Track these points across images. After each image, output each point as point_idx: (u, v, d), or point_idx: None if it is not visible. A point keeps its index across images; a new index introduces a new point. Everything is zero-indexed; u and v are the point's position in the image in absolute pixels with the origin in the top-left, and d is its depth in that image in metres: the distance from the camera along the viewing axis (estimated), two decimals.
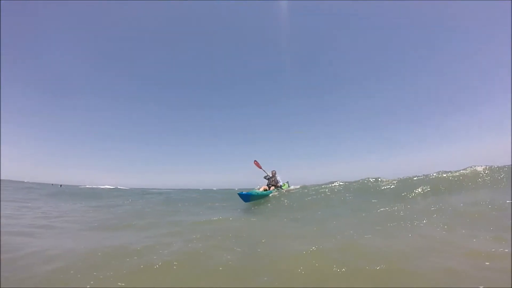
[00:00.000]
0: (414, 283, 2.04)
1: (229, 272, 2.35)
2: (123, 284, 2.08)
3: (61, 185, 37.04)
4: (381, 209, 5.00)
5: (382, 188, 7.65)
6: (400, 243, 3.04)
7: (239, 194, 8.10)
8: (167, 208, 8.23)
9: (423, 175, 8.71)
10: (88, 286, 2.05)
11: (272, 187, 9.92)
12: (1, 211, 5.88)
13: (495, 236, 3.03)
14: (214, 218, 5.16)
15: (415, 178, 8.26)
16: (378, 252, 2.68)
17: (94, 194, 15.87)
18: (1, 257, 2.65)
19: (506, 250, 2.53)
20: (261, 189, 9.24)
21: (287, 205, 7.28)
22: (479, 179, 6.99)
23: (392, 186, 7.66)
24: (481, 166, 8.20)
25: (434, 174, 8.45)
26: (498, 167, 7.84)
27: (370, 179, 9.31)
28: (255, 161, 10.74)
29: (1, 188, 15.61)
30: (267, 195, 8.95)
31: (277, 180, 10.12)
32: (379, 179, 9.11)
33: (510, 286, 1.93)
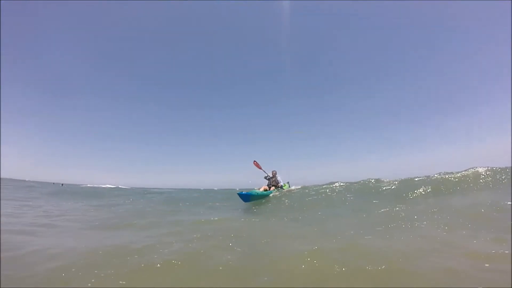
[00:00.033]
0: (414, 283, 2.04)
1: (230, 272, 2.35)
2: (124, 283, 2.09)
3: (62, 184, 37.13)
4: (382, 210, 4.99)
5: (383, 188, 7.64)
6: (401, 243, 3.04)
7: (239, 194, 8.10)
8: (168, 207, 8.24)
9: (424, 176, 8.70)
10: (89, 285, 2.06)
11: (273, 187, 9.92)
12: (2, 210, 5.91)
13: (496, 237, 3.03)
14: (215, 218, 5.17)
15: (416, 179, 8.25)
16: (378, 252, 2.68)
17: (95, 193, 15.90)
18: (3, 255, 2.67)
19: (507, 252, 2.53)
20: (261, 189, 9.25)
21: (288, 205, 7.29)
22: (480, 180, 6.98)
23: (393, 186, 7.65)
24: (483, 167, 8.18)
25: (435, 175, 8.43)
26: (499, 168, 7.82)
27: (371, 179, 9.30)
28: (254, 161, 10.73)
29: (2, 186, 15.67)
30: (267, 195, 8.95)
31: (277, 180, 10.11)
32: (380, 180, 9.10)
33: (510, 287, 1.93)
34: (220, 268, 2.41)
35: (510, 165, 7.88)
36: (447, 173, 8.32)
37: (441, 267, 2.29)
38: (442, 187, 6.82)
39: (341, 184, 9.52)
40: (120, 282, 2.10)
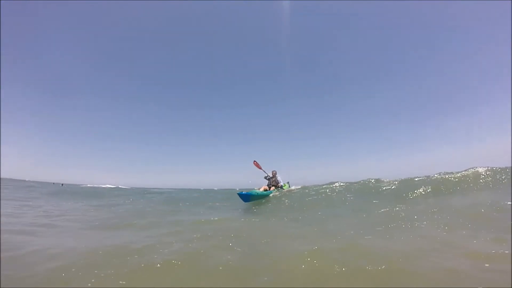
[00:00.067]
0: (414, 283, 2.04)
1: (230, 272, 2.35)
2: (124, 283, 2.09)
3: (62, 184, 37.14)
4: (382, 210, 4.99)
5: (383, 188, 7.64)
6: (401, 243, 3.04)
7: (238, 194, 8.11)
8: (168, 207, 8.24)
9: (424, 176, 8.70)
10: (89, 285, 2.06)
11: (273, 188, 9.92)
12: (2, 210, 5.91)
13: (496, 237, 3.03)
14: (215, 218, 5.17)
15: (416, 179, 8.24)
16: (378, 252, 2.68)
17: (95, 193, 15.90)
18: (3, 255, 2.67)
19: (507, 252, 2.53)
20: (261, 189, 9.24)
21: (288, 205, 7.29)
22: (481, 181, 6.98)
23: (393, 186, 7.64)
24: (483, 167, 8.18)
25: (435, 175, 8.43)
26: (500, 168, 7.81)
27: (371, 179, 9.30)
28: (254, 161, 10.72)
29: (3, 186, 15.67)
30: (267, 195, 8.95)
31: (277, 180, 10.11)
32: (380, 180, 9.10)
33: (510, 287, 1.93)
34: (220, 268, 2.41)
35: (510, 165, 7.89)
36: (447, 173, 8.32)
37: (441, 267, 2.29)
38: (442, 187, 6.82)
39: (341, 184, 9.52)
40: (120, 282, 2.10)
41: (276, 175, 10.23)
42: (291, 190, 10.10)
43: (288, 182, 11.47)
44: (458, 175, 7.82)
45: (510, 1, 43.32)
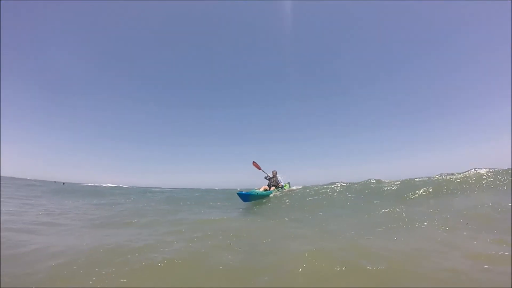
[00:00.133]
0: (414, 283, 2.04)
1: (230, 271, 2.36)
2: (125, 281, 2.10)
3: (63, 183, 37.26)
4: (383, 210, 4.99)
5: (384, 189, 7.63)
6: (401, 244, 3.04)
7: (238, 193, 8.14)
8: (168, 206, 8.25)
9: (426, 177, 8.68)
10: (90, 283, 2.07)
11: (273, 188, 9.91)
12: (4, 208, 5.94)
13: (497, 238, 3.02)
14: (216, 217, 5.18)
15: (417, 180, 8.22)
16: (379, 252, 2.68)
17: (96, 192, 15.94)
18: (5, 253, 2.68)
19: (507, 253, 2.52)
20: (261, 189, 9.25)
21: (289, 205, 7.29)
22: (482, 182, 6.95)
23: (394, 187, 7.63)
24: (484, 168, 8.15)
25: (436, 176, 8.41)
26: (502, 170, 7.79)
27: (371, 180, 9.29)
28: (253, 162, 10.67)
29: (4, 185, 15.73)
30: (267, 195, 8.95)
31: (278, 181, 10.10)
32: (381, 181, 9.08)
33: (510, 287, 1.93)
34: (221, 267, 2.41)
35: (511, 167, 7.86)
36: (448, 174, 8.30)
37: (441, 267, 2.29)
38: (443, 188, 6.80)
39: (342, 184, 9.51)
40: (121, 280, 2.11)
41: (277, 175, 10.23)
42: (292, 190, 10.09)
43: (288, 182, 11.45)
44: (459, 176, 7.79)
45: (510, 1, 43.20)
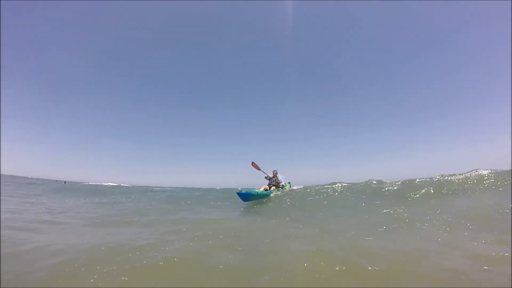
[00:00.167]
0: (414, 283, 2.04)
1: (230, 271, 2.36)
2: (126, 279, 2.10)
3: (65, 182, 37.35)
4: (384, 211, 4.98)
5: (385, 189, 7.62)
6: (402, 244, 3.03)
7: (238, 193, 8.15)
8: (169, 206, 8.27)
9: (427, 177, 8.66)
10: (92, 281, 2.07)
11: (273, 187, 9.90)
12: (5, 206, 5.95)
13: (497, 239, 3.02)
14: (216, 217, 5.18)
15: (418, 180, 8.21)
16: (379, 252, 2.67)
17: (97, 191, 15.97)
18: (5, 251, 2.68)
19: (507, 254, 2.52)
20: (262, 189, 9.25)
21: (289, 205, 7.28)
22: (484, 183, 6.93)
23: (395, 187, 7.62)
24: (486, 169, 8.14)
25: (438, 177, 8.40)
26: (503, 171, 7.77)
27: (372, 180, 9.28)
28: (252, 162, 10.60)
29: (5, 183, 15.76)
30: (267, 195, 8.95)
31: (278, 180, 10.09)
32: (382, 181, 9.07)
33: (510, 287, 1.92)
34: (221, 267, 2.41)
35: (511, 168, 7.84)
36: (449, 175, 8.28)
37: (441, 267, 2.29)
38: (444, 189, 6.78)
39: (343, 184, 9.51)
40: (122, 278, 2.11)
41: (277, 175, 10.21)
42: (293, 190, 10.08)
43: (289, 182, 11.44)
44: (461, 177, 7.78)
45: (510, 1, 43.12)
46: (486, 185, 6.73)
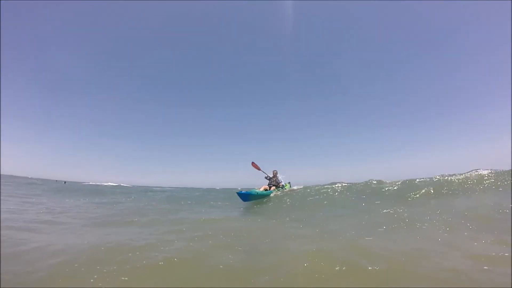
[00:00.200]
0: (414, 283, 2.04)
1: (231, 271, 2.36)
2: (126, 279, 2.10)
3: (65, 182, 37.35)
4: (384, 211, 4.98)
5: (385, 189, 7.62)
6: (402, 244, 3.03)
7: (237, 193, 8.15)
8: (169, 206, 8.27)
9: (427, 177, 8.66)
10: (92, 280, 2.07)
11: (273, 187, 9.89)
12: (5, 206, 5.95)
13: (497, 239, 3.02)
14: (216, 217, 5.18)
15: (418, 180, 8.21)
16: (379, 252, 2.67)
17: (97, 191, 15.98)
18: (5, 251, 2.68)
19: (506, 254, 2.52)
20: (261, 189, 9.24)
21: (289, 205, 7.28)
22: (484, 183, 6.93)
23: (395, 187, 7.62)
24: (486, 169, 8.14)
25: (438, 177, 8.40)
26: (503, 171, 7.76)
27: (372, 180, 9.27)
28: (252, 162, 10.59)
29: (4, 183, 15.77)
30: (267, 195, 8.95)
31: (278, 180, 10.08)
32: (382, 181, 9.07)
33: (510, 287, 1.92)
34: (221, 267, 2.41)
35: (511, 168, 7.83)
36: (450, 175, 8.28)
37: (441, 267, 2.29)
38: (444, 189, 6.78)
39: (343, 184, 9.50)
40: (122, 278, 2.11)
41: (277, 175, 10.21)
42: (293, 190, 10.08)
43: (289, 182, 11.44)
44: (461, 177, 7.78)
45: (510, 1, 43.12)
46: (486, 185, 6.72)
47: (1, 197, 7.83)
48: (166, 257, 2.56)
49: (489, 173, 7.71)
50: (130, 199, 10.81)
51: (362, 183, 9.36)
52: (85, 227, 4.27)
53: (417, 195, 6.51)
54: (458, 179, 7.47)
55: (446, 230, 3.52)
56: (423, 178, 8.51)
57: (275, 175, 10.19)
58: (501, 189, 6.22)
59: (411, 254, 2.66)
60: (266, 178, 10.24)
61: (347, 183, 9.67)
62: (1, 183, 14.83)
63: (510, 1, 42.65)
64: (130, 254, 2.64)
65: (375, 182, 9.09)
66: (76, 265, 2.36)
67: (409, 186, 7.64)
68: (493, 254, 2.56)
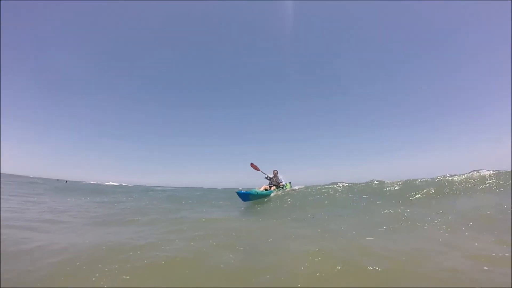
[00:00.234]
0: (415, 283, 2.04)
1: (231, 271, 2.36)
2: (128, 277, 2.11)
3: (66, 181, 37.43)
4: (385, 211, 4.97)
5: (386, 189, 7.61)
6: (403, 244, 3.03)
7: (237, 193, 8.15)
8: (170, 205, 8.28)
9: (428, 177, 8.65)
10: (93, 279, 2.08)
11: (274, 187, 9.87)
12: (6, 205, 5.97)
13: (498, 239, 3.01)
14: (217, 217, 5.18)
15: (419, 181, 8.20)
16: (380, 252, 2.67)
17: (98, 190, 16.02)
18: (6, 250, 2.69)
19: (507, 254, 2.52)
20: (262, 189, 9.24)
21: (290, 205, 7.28)
22: (485, 183, 6.92)
23: (397, 188, 7.62)
24: (487, 170, 8.12)
25: (439, 177, 8.39)
26: (504, 171, 7.75)
27: (374, 180, 9.26)
28: (251, 163, 10.53)
29: (6, 182, 15.82)
30: (267, 195, 8.95)
31: (279, 180, 10.06)
32: (383, 181, 9.06)
33: (510, 287, 1.92)
34: (222, 266, 2.41)
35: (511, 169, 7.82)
36: (451, 175, 8.27)
37: (442, 267, 2.29)
38: (446, 189, 6.77)
39: (344, 184, 9.49)
40: (124, 277, 2.12)
41: (278, 175, 10.19)
42: (294, 189, 10.08)
43: (290, 182, 11.42)
44: (462, 177, 7.77)
45: (510, 1, 42.95)
46: (487, 186, 6.71)
47: (2, 196, 7.86)
48: (167, 256, 2.57)
49: (490, 173, 7.70)
50: (131, 198, 10.83)
51: (363, 183, 9.35)
52: (86, 226, 4.28)
53: (418, 195, 6.50)
54: (459, 180, 7.46)
55: (447, 230, 3.52)
56: (424, 178, 8.51)
57: (275, 175, 10.17)
58: (502, 190, 6.21)
59: (411, 254, 2.66)
60: (266, 178, 10.23)
61: (348, 183, 9.66)
62: (2, 182, 14.88)
63: (510, 1, 42.45)
64: (131, 253, 2.65)
65: (376, 182, 9.08)
66: (77, 264, 2.37)
67: (410, 186, 7.64)
68: (494, 254, 2.56)
